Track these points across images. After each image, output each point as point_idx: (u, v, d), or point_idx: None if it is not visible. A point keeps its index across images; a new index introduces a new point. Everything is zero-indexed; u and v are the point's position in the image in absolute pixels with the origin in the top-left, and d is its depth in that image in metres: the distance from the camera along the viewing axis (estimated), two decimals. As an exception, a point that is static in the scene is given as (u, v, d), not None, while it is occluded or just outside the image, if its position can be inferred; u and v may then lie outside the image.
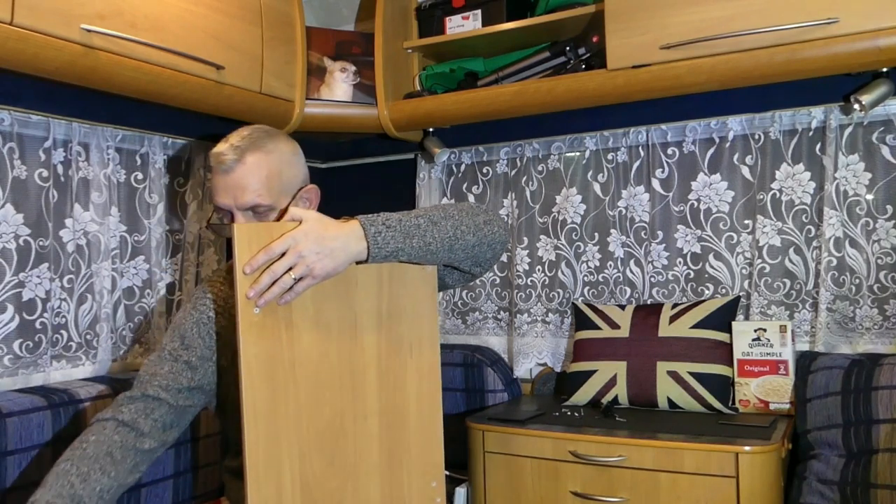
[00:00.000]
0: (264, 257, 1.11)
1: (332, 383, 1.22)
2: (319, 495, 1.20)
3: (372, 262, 1.17)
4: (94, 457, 1.20)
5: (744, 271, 2.11)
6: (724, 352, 2.00)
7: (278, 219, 1.31)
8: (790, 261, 2.05)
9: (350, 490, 1.23)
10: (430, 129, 2.43)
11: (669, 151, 2.20)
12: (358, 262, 1.18)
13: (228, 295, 1.37)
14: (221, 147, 1.27)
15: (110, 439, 1.23)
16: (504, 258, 2.45)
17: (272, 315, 1.15)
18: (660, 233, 2.21)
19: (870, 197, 1.95)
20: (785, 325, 1.95)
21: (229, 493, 1.50)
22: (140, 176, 2.07)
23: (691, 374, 1.99)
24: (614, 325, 2.14)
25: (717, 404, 1.95)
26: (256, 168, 1.25)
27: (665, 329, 2.06)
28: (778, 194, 2.05)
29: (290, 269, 1.12)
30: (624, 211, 2.25)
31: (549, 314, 2.37)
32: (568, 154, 2.35)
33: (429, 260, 1.23)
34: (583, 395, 2.11)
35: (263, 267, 1.12)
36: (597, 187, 2.30)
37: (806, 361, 1.91)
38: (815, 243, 2.01)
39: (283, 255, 1.12)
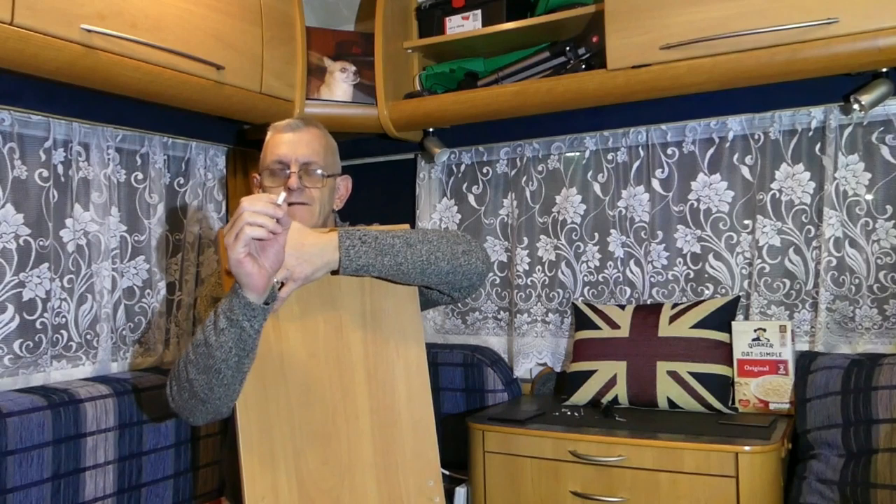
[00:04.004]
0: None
1: (321, 382, 1.24)
2: (316, 494, 1.20)
3: (343, 274, 1.21)
4: None
5: (743, 271, 2.11)
6: (723, 352, 2.00)
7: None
8: (790, 261, 2.04)
9: (347, 488, 1.23)
10: (430, 129, 2.43)
11: (669, 151, 2.20)
12: (333, 273, 1.22)
13: None
14: (287, 120, 1.44)
15: None
16: (504, 258, 2.45)
17: None
18: (660, 233, 2.21)
19: (869, 197, 1.95)
20: (785, 325, 1.95)
21: (229, 490, 1.50)
22: (140, 176, 2.07)
23: (691, 374, 1.99)
24: (614, 325, 2.14)
25: (716, 404, 1.95)
26: (317, 137, 1.44)
27: (665, 329, 2.06)
28: (778, 194, 2.05)
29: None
30: (624, 211, 2.25)
31: (549, 314, 2.36)
32: (568, 154, 2.35)
33: (401, 279, 1.27)
34: (583, 395, 2.11)
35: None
36: (597, 187, 2.30)
37: (806, 361, 1.91)
38: (814, 243, 2.01)
39: None
